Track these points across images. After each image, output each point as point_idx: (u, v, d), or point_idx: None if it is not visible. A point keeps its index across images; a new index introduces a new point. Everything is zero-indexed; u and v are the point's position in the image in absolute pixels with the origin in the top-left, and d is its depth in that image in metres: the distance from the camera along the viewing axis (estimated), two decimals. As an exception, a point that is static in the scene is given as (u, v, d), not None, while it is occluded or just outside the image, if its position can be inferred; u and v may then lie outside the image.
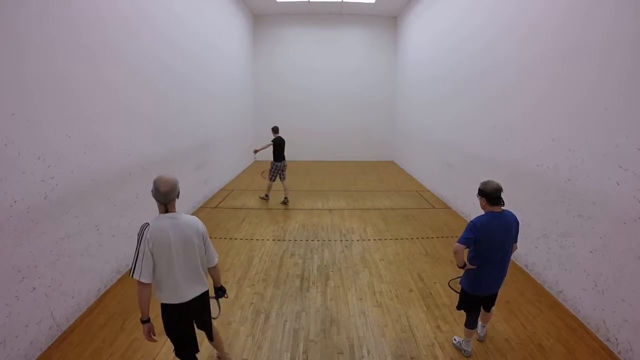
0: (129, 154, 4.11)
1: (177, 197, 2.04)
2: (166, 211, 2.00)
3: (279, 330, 3.04)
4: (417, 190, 8.21)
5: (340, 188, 8.33)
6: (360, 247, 4.84)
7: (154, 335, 2.09)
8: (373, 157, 12.32)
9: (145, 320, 2.02)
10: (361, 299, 3.58)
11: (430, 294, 3.68)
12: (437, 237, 5.22)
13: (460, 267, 2.61)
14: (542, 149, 3.92)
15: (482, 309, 2.81)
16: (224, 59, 8.39)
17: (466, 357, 2.78)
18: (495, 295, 2.76)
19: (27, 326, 2.60)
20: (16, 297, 2.51)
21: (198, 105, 6.56)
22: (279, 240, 5.08)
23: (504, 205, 2.53)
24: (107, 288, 3.65)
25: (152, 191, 1.99)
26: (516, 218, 2.59)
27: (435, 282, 3.90)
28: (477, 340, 2.96)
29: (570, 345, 2.93)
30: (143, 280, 1.89)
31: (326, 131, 12.12)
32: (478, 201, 2.59)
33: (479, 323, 2.94)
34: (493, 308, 2.88)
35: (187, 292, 2.04)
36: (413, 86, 9.83)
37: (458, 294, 2.83)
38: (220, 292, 2.39)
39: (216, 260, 2.23)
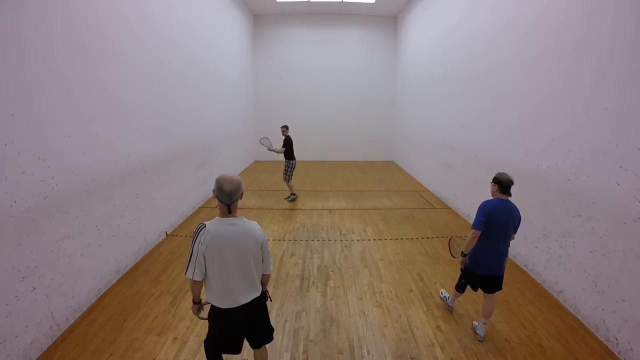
0: (129, 154, 4.11)
1: (241, 198, 1.97)
2: (229, 212, 1.91)
3: (279, 330, 3.04)
4: (417, 190, 8.20)
5: (340, 188, 8.33)
6: (360, 247, 4.84)
7: (199, 314, 2.17)
8: (373, 157, 12.32)
9: (197, 302, 2.14)
10: (361, 299, 3.58)
11: (430, 294, 3.68)
12: (437, 237, 5.22)
13: (463, 255, 2.88)
14: (542, 149, 3.93)
15: (484, 296, 2.98)
16: (224, 59, 8.38)
17: (449, 311, 3.29)
18: (497, 278, 2.88)
19: (27, 326, 2.60)
20: (16, 297, 2.51)
21: (198, 105, 6.56)
22: (279, 240, 5.08)
23: (511, 196, 2.80)
24: (107, 288, 3.65)
25: (213, 191, 1.91)
26: (519, 211, 2.81)
27: (435, 282, 3.90)
28: (477, 340, 2.96)
29: (570, 345, 2.93)
30: (196, 279, 1.93)
31: (326, 131, 12.12)
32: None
33: (480, 322, 2.99)
34: (494, 299, 2.97)
35: (237, 298, 1.98)
36: (413, 86, 9.82)
37: (453, 257, 3.18)
38: (263, 296, 2.30)
39: (271, 269, 2.17)
